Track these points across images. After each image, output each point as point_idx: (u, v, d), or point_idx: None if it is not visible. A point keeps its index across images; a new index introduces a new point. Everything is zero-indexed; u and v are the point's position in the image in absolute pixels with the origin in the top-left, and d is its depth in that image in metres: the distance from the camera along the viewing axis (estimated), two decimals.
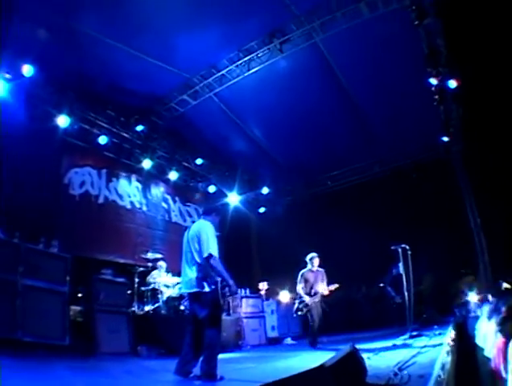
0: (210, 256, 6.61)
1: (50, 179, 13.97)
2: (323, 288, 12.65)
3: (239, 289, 15.86)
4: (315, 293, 12.63)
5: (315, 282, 12.79)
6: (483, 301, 14.61)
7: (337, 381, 4.58)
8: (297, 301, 12.95)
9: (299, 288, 12.82)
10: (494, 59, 13.69)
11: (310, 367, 4.67)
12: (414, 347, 9.70)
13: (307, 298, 12.56)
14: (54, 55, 12.55)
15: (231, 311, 15.89)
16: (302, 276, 12.93)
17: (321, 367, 4.55)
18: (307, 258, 13.13)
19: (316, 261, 13.05)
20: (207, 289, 6.58)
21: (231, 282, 6.69)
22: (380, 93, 16.23)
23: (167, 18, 12.63)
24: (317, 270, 12.99)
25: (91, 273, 11.72)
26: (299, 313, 12.77)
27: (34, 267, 9.33)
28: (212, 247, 6.71)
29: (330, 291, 12.73)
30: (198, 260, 6.73)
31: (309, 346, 12.31)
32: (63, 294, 9.96)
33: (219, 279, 6.61)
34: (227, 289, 6.74)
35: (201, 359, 6.56)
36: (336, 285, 12.77)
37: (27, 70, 12.14)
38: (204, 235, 6.83)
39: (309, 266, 13.01)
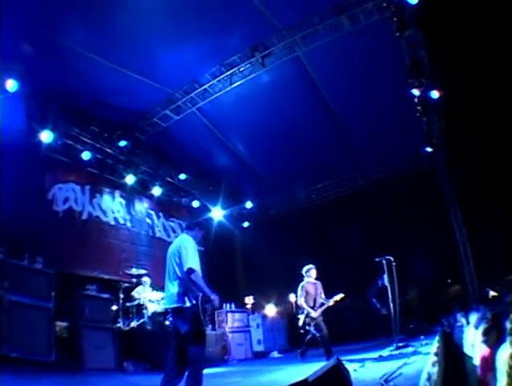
0: (190, 270, 6.54)
1: (34, 195, 13.86)
2: (326, 300, 12.46)
3: (224, 304, 15.85)
4: (321, 305, 12.41)
5: (316, 294, 12.58)
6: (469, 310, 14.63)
7: None
8: (302, 316, 12.51)
9: (302, 301, 12.50)
10: (477, 69, 13.79)
11: (294, 381, 4.64)
12: (400, 358, 9.67)
13: (313, 313, 12.27)
14: (38, 70, 12.44)
15: (216, 326, 15.84)
16: (302, 288, 12.68)
17: (305, 381, 4.52)
18: (304, 270, 12.92)
19: (313, 273, 12.85)
20: (188, 304, 6.47)
21: (213, 297, 6.56)
22: (362, 105, 16.30)
23: (149, 34, 12.59)
24: (315, 282, 12.81)
25: (75, 289, 11.67)
26: (307, 327, 12.32)
27: (19, 283, 9.37)
28: (192, 261, 6.59)
29: (335, 301, 12.45)
30: (179, 274, 6.64)
31: (325, 357, 11.31)
32: (48, 310, 9.98)
33: (200, 294, 6.53)
34: (209, 304, 6.63)
35: (186, 374, 6.50)
36: (342, 295, 12.47)
37: (11, 85, 12.01)
38: (185, 249, 6.72)
39: (307, 278, 12.82)
